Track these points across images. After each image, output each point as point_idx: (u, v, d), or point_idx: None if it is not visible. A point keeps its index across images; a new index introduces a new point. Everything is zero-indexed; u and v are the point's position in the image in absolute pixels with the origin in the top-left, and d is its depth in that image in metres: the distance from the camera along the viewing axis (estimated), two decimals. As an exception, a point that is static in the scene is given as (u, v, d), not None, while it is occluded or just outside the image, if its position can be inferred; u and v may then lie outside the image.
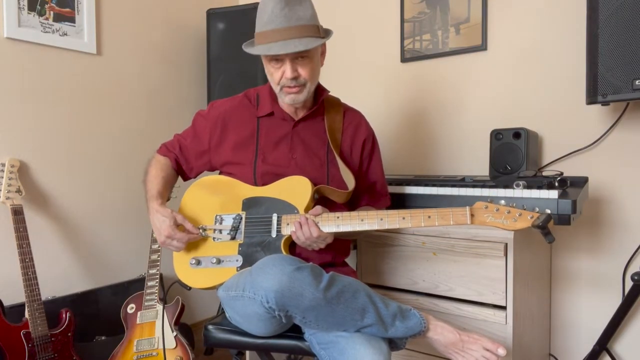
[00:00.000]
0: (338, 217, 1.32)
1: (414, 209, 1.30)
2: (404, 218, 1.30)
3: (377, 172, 1.59)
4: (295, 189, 1.38)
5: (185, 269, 1.41)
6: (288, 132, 1.46)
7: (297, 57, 1.32)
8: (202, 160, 1.53)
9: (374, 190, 1.57)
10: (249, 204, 1.41)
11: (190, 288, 1.41)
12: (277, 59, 1.33)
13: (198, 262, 1.39)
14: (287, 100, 1.39)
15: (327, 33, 1.38)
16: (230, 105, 1.50)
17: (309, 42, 1.29)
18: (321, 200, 1.41)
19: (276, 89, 1.39)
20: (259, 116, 1.48)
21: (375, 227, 1.32)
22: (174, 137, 1.57)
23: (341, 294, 1.18)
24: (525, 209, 1.21)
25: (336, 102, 1.55)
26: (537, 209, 1.20)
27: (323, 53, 1.44)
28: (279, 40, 1.28)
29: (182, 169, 1.56)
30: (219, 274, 1.37)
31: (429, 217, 1.27)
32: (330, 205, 1.41)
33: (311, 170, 1.44)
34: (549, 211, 1.18)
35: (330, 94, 1.54)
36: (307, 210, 1.36)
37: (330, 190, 1.40)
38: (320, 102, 1.49)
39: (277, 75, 1.35)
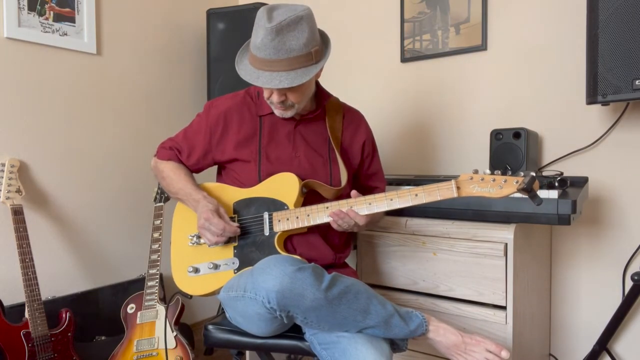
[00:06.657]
0: (327, 208, 1.33)
1: (401, 189, 1.30)
2: (391, 200, 1.30)
3: (377, 168, 1.62)
4: (282, 185, 1.39)
5: (184, 278, 1.42)
6: (290, 131, 1.46)
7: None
8: (206, 160, 1.51)
9: (375, 184, 1.60)
10: (240, 206, 1.42)
11: (191, 297, 1.42)
12: None
13: (196, 270, 1.40)
14: (277, 114, 1.41)
15: (322, 55, 1.31)
16: (232, 104, 1.49)
17: (295, 77, 1.25)
18: (310, 194, 1.42)
19: (267, 101, 1.40)
20: (261, 115, 1.47)
21: (365, 212, 1.32)
22: (173, 140, 1.54)
23: (343, 295, 1.18)
24: (510, 175, 1.20)
25: (336, 103, 1.55)
26: (521, 174, 1.19)
27: (318, 74, 1.39)
28: (267, 70, 1.26)
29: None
30: (217, 278, 1.38)
31: (416, 195, 1.28)
32: (320, 199, 1.41)
33: (314, 168, 1.44)
34: (533, 173, 1.17)
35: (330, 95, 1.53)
36: (296, 205, 1.37)
37: (318, 185, 1.41)
38: (322, 107, 1.49)
39: (266, 94, 1.37)
